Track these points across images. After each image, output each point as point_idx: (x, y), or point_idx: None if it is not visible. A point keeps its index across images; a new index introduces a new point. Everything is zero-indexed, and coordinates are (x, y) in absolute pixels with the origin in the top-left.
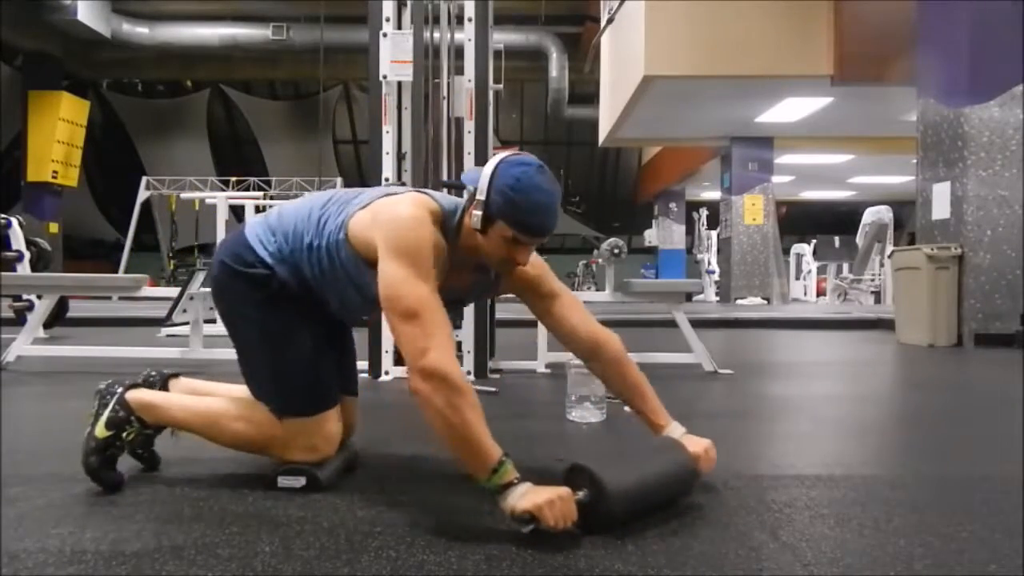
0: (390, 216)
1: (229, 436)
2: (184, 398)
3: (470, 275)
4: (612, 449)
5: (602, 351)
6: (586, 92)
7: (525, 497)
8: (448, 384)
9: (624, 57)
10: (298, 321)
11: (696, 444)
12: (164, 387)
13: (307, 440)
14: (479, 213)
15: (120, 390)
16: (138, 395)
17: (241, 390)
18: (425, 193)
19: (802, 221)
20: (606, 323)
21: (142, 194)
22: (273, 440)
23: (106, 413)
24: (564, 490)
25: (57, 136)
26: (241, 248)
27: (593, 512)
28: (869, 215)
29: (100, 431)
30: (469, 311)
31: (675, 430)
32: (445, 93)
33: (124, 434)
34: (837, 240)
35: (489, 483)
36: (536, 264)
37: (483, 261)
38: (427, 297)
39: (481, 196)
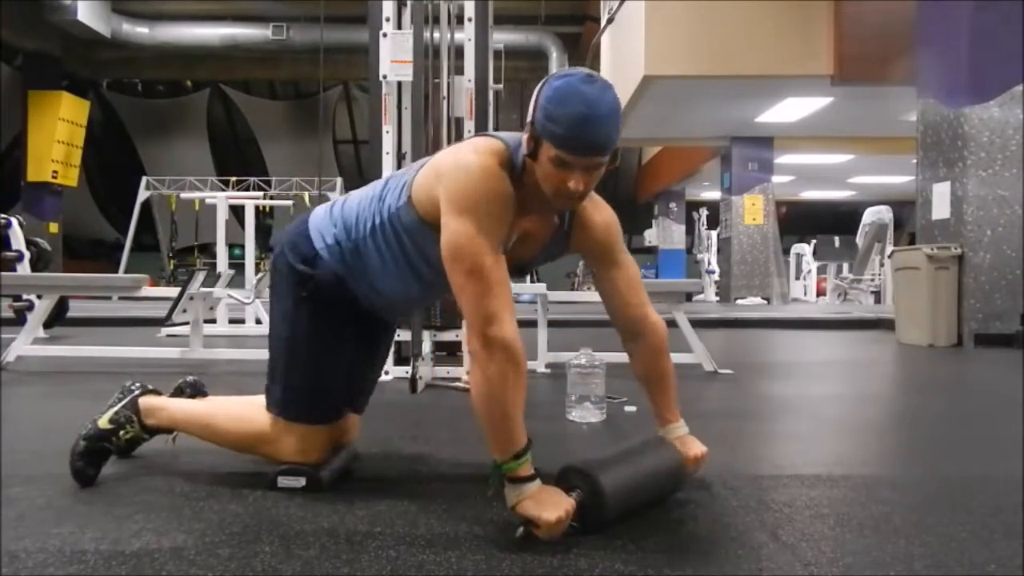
0: (454, 167)
1: (222, 435)
2: (186, 401)
3: (543, 224)
4: (605, 448)
5: (646, 335)
6: None
7: (534, 500)
8: (510, 357)
9: (624, 57)
10: (327, 329)
11: (691, 447)
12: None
13: (297, 444)
14: (527, 135)
15: (137, 391)
16: (148, 399)
17: (259, 401)
18: (488, 135)
19: (802, 221)
20: (606, 323)
21: (142, 194)
22: (264, 436)
23: (116, 407)
24: (569, 505)
25: (57, 136)
26: (300, 238)
27: (588, 512)
28: (869, 215)
29: (103, 422)
30: None
31: (679, 428)
32: (445, 93)
33: (122, 432)
34: (837, 240)
35: (506, 467)
36: (611, 228)
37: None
38: (493, 256)
39: (530, 118)
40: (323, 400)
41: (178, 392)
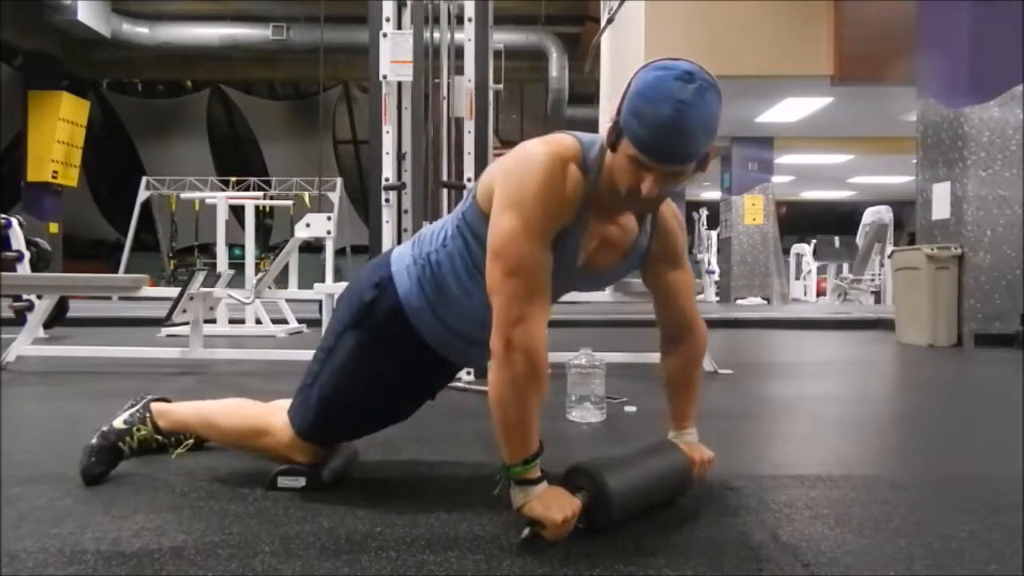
0: (515, 158)
1: (222, 429)
2: (191, 402)
3: (625, 231)
4: (611, 449)
5: (689, 342)
6: (586, 92)
7: (540, 501)
8: (531, 363)
9: (624, 57)
10: (364, 365)
11: (698, 452)
12: None
13: (293, 448)
14: (610, 123)
15: (150, 397)
16: (160, 404)
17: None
18: (564, 132)
19: (802, 221)
20: (606, 323)
21: (142, 194)
22: (261, 428)
23: (130, 411)
24: (575, 505)
25: (57, 136)
26: (381, 262)
27: (594, 513)
28: (869, 215)
29: (118, 423)
30: None
31: (690, 434)
32: (445, 93)
33: (135, 430)
34: (837, 240)
35: (514, 470)
36: (684, 231)
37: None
38: (539, 258)
39: (617, 105)
40: (341, 430)
41: None
